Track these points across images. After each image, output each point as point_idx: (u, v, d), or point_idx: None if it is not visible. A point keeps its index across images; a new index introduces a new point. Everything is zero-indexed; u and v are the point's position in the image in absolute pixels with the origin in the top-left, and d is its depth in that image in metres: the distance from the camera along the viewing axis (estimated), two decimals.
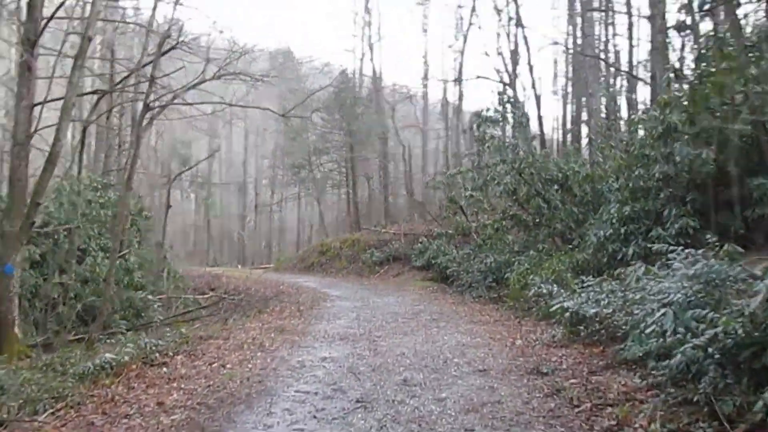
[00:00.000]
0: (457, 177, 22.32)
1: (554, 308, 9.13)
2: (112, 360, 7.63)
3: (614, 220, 12.65)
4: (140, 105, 24.50)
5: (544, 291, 11.67)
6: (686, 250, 7.69)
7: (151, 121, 22.43)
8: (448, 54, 44.94)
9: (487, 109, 17.27)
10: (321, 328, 10.85)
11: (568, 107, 28.24)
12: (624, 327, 7.05)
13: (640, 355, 6.04)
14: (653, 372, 5.64)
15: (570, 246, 14.94)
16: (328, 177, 37.50)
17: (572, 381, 6.39)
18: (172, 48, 16.34)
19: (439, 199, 32.64)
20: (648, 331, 5.84)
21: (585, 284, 10.30)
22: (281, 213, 54.89)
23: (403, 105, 43.15)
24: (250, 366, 7.65)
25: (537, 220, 18.00)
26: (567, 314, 8.78)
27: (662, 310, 5.70)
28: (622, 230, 12.31)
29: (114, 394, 6.53)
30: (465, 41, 32.34)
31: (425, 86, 38.97)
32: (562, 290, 11.66)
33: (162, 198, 48.89)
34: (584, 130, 25.08)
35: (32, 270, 16.37)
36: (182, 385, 6.77)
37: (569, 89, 27.51)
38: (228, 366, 7.71)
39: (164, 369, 7.72)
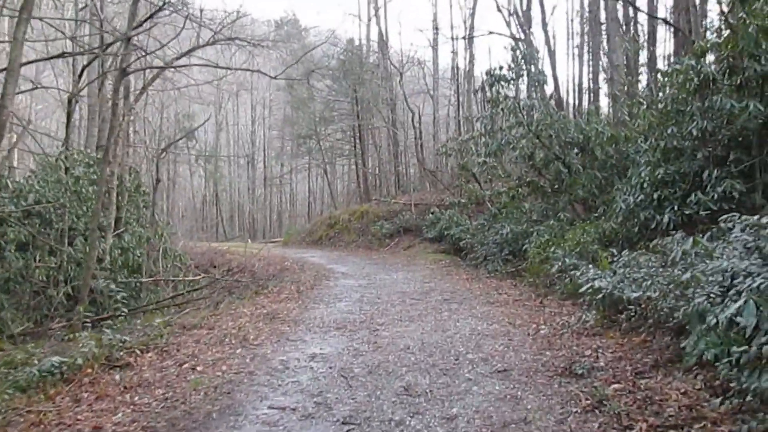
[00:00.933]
0: (470, 143, 20.84)
1: (584, 288, 7.76)
2: (61, 363, 6.40)
3: (645, 185, 11.20)
4: (138, 76, 23.27)
5: (569, 265, 10.34)
6: (742, 217, 6.33)
7: (143, 90, 21.14)
8: (458, 17, 42.75)
9: (500, 67, 15.70)
10: (318, 313, 9.57)
11: (584, 68, 26.49)
12: (676, 315, 5.67)
13: (710, 357, 4.65)
14: (733, 386, 4.24)
15: (594, 214, 13.50)
16: (336, 147, 36.01)
17: (616, 386, 5.05)
18: (159, 9, 14.97)
19: (451, 167, 31.19)
20: (719, 326, 4.47)
21: (617, 259, 8.97)
22: (292, 185, 53.67)
23: (411, 73, 41.49)
24: (224, 368, 6.37)
25: (556, 187, 16.60)
26: (600, 296, 7.41)
27: (738, 301, 4.32)
28: (655, 195, 10.85)
29: (51, 411, 5.29)
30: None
31: (434, 48, 37.18)
32: (590, 265, 10.34)
33: (168, 173, 47.82)
34: (602, 89, 23.42)
35: (18, 252, 15.28)
36: (136, 398, 5.51)
37: (585, 48, 25.71)
38: (199, 368, 6.44)
39: (125, 372, 6.47)
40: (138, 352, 7.32)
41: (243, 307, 10.95)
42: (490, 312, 9.12)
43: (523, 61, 15.92)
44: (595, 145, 15.31)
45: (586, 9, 25.21)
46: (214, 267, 22.41)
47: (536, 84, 16.27)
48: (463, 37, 27.74)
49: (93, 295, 16.13)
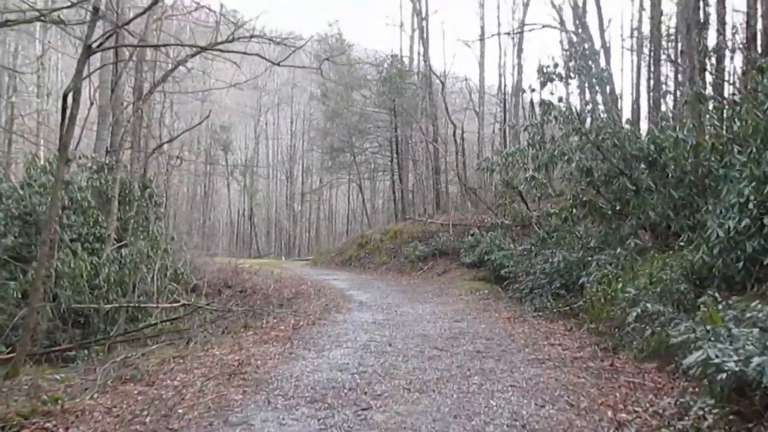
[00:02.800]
0: (516, 156, 17.97)
1: (691, 360, 4.89)
2: None
3: (750, 205, 8.29)
4: (151, 73, 21.24)
5: (651, 313, 7.47)
6: None
7: (153, 89, 18.98)
8: (506, 24, 39.78)
9: (555, 64, 12.93)
10: (298, 368, 6.86)
11: (641, 74, 23.26)
12: None
13: None
14: None
15: (679, 242, 10.50)
16: (371, 161, 33.40)
17: None
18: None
19: (494, 185, 28.27)
20: None
21: (722, 308, 6.14)
22: (330, 201, 51.44)
23: (455, 90, 38.75)
24: None
25: (618, 208, 13.71)
26: (721, 376, 4.55)
27: None
28: (766, 221, 7.94)
29: None
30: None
31: (481, 64, 34.44)
32: (680, 313, 7.45)
33: (202, 186, 46.14)
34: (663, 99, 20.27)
35: None
36: None
37: (645, 42, 22.40)
38: None
39: None
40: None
41: (216, 348, 8.37)
42: (540, 379, 6.27)
43: (581, 58, 13.11)
44: (668, 158, 12.40)
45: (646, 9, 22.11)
46: (228, 287, 20.00)
47: (597, 84, 13.39)
48: (508, 33, 24.48)
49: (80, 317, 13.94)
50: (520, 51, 28.50)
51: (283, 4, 72.01)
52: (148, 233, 18.08)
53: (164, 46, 17.94)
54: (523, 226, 20.12)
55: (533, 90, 16.80)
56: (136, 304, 12.08)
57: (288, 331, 9.59)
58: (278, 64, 10.16)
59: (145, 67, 21.97)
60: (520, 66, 29.53)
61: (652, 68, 21.32)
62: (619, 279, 10.26)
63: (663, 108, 18.11)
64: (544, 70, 13.03)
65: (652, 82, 21.11)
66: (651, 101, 20.23)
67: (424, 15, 31.64)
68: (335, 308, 12.34)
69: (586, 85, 14.16)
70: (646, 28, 21.80)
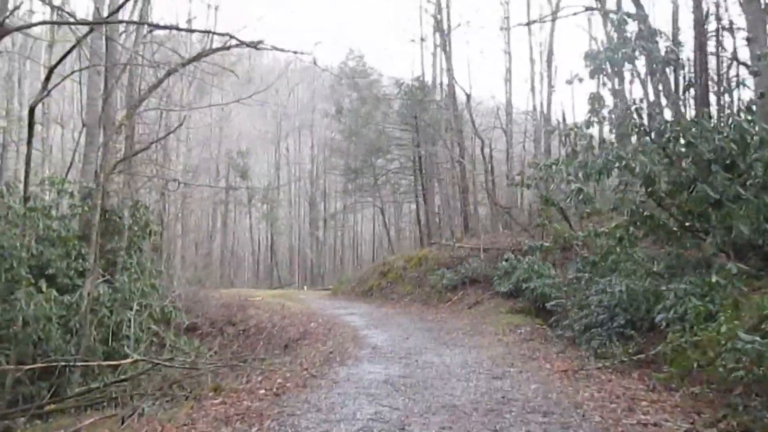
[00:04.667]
0: (559, 167, 15.18)
1: None
2: None
3: None
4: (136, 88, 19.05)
5: None
6: None
7: (141, 100, 16.83)
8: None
9: (607, 48, 10.23)
10: None
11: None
12: None
13: None
14: None
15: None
16: (393, 182, 30.68)
17: None
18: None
19: (529, 204, 25.42)
20: None
21: None
22: (355, 227, 48.91)
23: (482, 117, 36.06)
24: None
25: (689, 224, 11.02)
26: None
27: None
28: None
29: None
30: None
31: (508, 80, 31.78)
32: None
33: (220, 216, 43.98)
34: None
35: None
36: None
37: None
38: None
39: None
40: None
41: (160, 428, 5.79)
42: None
43: (640, 38, 10.41)
44: (752, 158, 9.75)
45: None
46: (232, 325, 17.49)
47: (666, 64, 10.64)
48: (537, 22, 21.43)
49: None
50: (550, 55, 25.76)
51: (303, 27, 70.45)
52: (137, 266, 15.78)
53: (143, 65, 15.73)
54: (563, 249, 17.33)
55: (580, 79, 14.00)
56: (72, 363, 9.44)
57: (267, 398, 6.93)
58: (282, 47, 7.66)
59: (143, 85, 19.90)
60: (550, 75, 26.80)
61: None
62: (717, 317, 7.52)
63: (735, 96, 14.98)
64: (594, 56, 10.35)
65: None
66: (720, 87, 17.11)
67: (446, 30, 29.21)
68: (341, 357, 9.64)
69: (648, 73, 11.39)
70: None
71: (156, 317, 13.79)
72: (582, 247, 17.32)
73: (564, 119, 26.26)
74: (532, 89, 27.51)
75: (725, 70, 16.70)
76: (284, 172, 48.22)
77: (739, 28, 15.74)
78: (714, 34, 16.31)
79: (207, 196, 38.89)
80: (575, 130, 12.72)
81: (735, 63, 14.77)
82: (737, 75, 13.88)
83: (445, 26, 28.67)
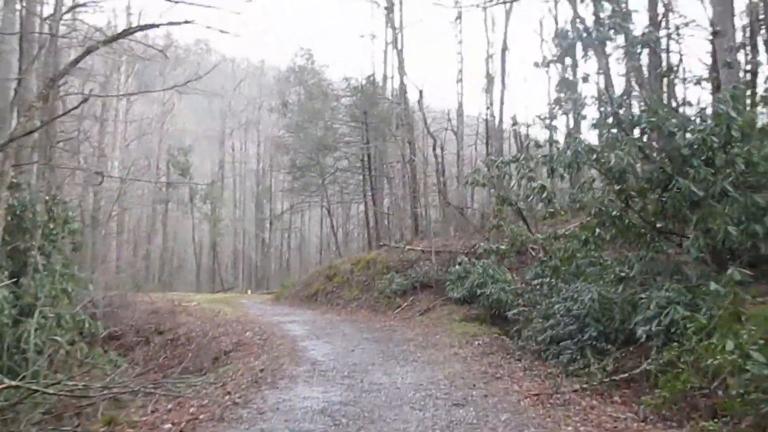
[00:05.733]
0: (514, 165, 14.00)
1: None
2: None
3: None
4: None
5: None
6: None
7: (61, 74, 14.96)
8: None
9: (581, 22, 9.04)
10: None
11: None
12: None
13: None
14: None
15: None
16: (340, 181, 29.01)
17: None
18: None
19: (481, 205, 24.32)
20: None
21: None
22: (302, 229, 47.02)
23: (433, 121, 34.85)
24: None
25: (661, 225, 10.03)
26: None
27: None
28: None
29: None
30: None
31: (459, 81, 30.65)
32: None
33: (158, 215, 41.57)
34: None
35: None
36: None
37: None
38: None
39: None
40: None
41: None
42: None
43: (616, 16, 9.26)
44: (733, 153, 8.80)
45: None
46: (160, 333, 15.68)
47: (639, 51, 9.54)
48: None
49: None
50: (504, 50, 24.63)
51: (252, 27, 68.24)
52: (50, 268, 13.87)
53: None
54: (519, 252, 16.26)
55: (549, 62, 12.74)
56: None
57: None
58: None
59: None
60: (503, 69, 25.60)
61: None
62: (711, 330, 6.39)
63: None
64: (563, 35, 9.16)
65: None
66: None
67: (398, 26, 27.88)
68: (272, 376, 8.10)
69: (625, 54, 10.23)
70: None
71: (66, 327, 11.91)
72: (538, 250, 16.25)
73: (515, 121, 25.30)
74: (488, 84, 26.26)
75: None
76: (229, 172, 46.06)
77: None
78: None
79: (146, 193, 36.57)
80: (541, 118, 11.57)
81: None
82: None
83: (397, 22, 27.40)
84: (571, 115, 11.54)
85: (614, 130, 10.11)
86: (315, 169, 27.26)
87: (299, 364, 9.02)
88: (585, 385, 7.13)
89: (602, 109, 9.92)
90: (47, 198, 15.47)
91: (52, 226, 14.67)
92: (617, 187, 10.23)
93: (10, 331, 11.16)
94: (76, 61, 14.68)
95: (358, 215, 35.56)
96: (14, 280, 12.23)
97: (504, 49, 25.31)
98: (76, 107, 15.82)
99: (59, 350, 10.82)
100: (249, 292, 35.61)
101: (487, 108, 24.48)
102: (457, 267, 16.29)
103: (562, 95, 10.83)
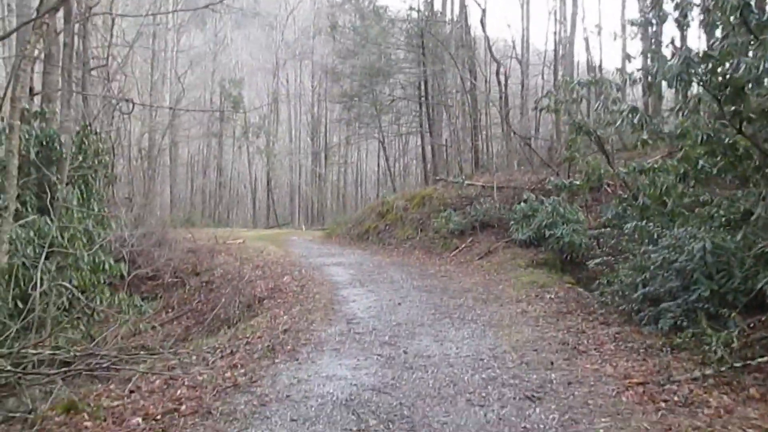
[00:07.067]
0: (596, 86, 11.62)
1: None
2: None
3: None
4: None
5: None
6: None
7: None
8: None
9: None
10: None
11: None
12: None
13: None
14: None
15: None
16: (395, 111, 26.71)
17: None
18: None
19: (550, 135, 21.87)
20: None
21: None
22: (360, 164, 45.26)
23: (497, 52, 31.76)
24: None
25: None
26: None
27: None
28: None
29: None
30: None
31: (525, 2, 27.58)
32: None
33: (211, 149, 40.50)
34: None
35: None
36: None
37: None
38: None
39: None
40: None
41: None
42: None
43: None
44: None
45: None
46: (196, 275, 14.41)
47: None
48: None
49: None
50: None
51: None
52: (86, 202, 12.67)
53: None
54: (591, 189, 14.03)
55: None
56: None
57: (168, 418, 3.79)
58: None
59: None
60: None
61: None
62: None
63: None
64: None
65: None
66: None
67: None
68: (295, 341, 6.46)
69: None
70: None
71: (85, 268, 10.63)
72: (616, 187, 14.11)
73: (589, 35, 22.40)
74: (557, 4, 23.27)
75: None
76: (283, 105, 44.36)
77: None
78: None
79: (197, 125, 35.42)
80: (635, 22, 9.17)
81: None
82: None
83: None
84: (673, 19, 9.07)
85: (736, 34, 7.71)
86: (368, 98, 25.14)
87: (332, 323, 7.36)
88: (708, 371, 5.16)
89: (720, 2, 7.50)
90: (77, 129, 14.21)
91: (81, 158, 13.44)
92: (732, 108, 7.94)
93: (28, 275, 9.94)
94: None
95: (416, 148, 33.42)
96: (41, 217, 11.03)
97: None
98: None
99: (69, 295, 9.52)
100: (303, 228, 34.47)
101: (559, 24, 21.47)
102: (522, 205, 14.27)
103: None
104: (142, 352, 6.29)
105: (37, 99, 14.35)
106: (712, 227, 7.97)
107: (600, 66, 22.77)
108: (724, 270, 6.91)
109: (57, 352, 6.17)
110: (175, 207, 31.35)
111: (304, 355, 5.92)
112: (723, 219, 8.09)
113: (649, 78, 8.60)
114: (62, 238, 10.76)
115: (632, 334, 6.67)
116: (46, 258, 10.11)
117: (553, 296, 8.94)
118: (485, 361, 5.63)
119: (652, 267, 7.74)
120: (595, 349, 6.07)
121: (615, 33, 18.22)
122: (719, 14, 7.60)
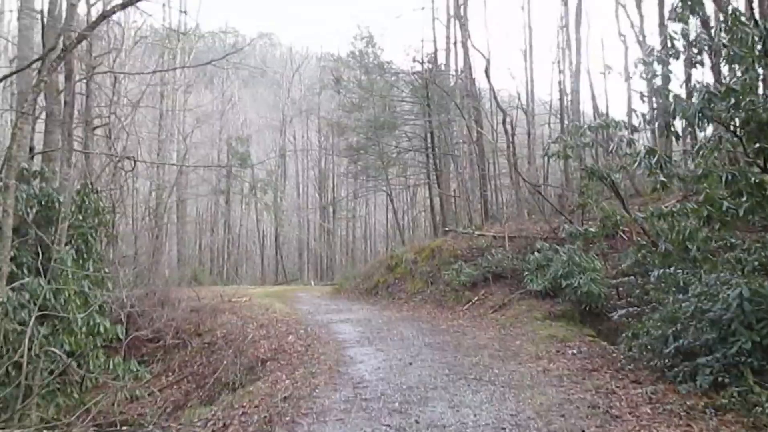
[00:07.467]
0: (608, 128, 11.19)
1: None
2: None
3: None
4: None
5: None
6: None
7: (63, 55, 13.21)
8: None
9: None
10: None
11: None
12: None
13: None
14: None
15: None
16: (401, 162, 26.39)
17: None
18: None
19: (560, 183, 21.43)
20: None
21: None
22: (368, 218, 44.93)
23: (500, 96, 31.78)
24: None
25: None
26: None
27: None
28: None
29: None
30: None
31: (528, 53, 27.62)
32: None
33: (219, 207, 40.35)
34: None
35: None
36: None
37: None
38: None
39: None
40: None
41: None
42: None
43: None
44: None
45: None
46: (198, 335, 13.79)
47: None
48: None
49: None
50: (579, 19, 21.69)
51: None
52: (82, 261, 12.28)
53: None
54: (606, 236, 13.47)
55: None
56: None
57: None
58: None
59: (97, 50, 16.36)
60: (578, 39, 22.72)
61: None
62: None
63: None
64: None
65: None
66: None
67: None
68: (296, 410, 5.82)
69: None
70: None
71: (79, 332, 10.08)
72: (631, 233, 13.54)
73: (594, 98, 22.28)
74: (562, 55, 23.27)
75: None
76: (290, 161, 44.43)
77: None
78: None
79: (205, 183, 35.33)
80: (647, 61, 8.79)
81: None
82: None
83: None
84: (683, 58, 8.72)
85: (759, 66, 7.29)
86: (374, 151, 24.91)
87: (337, 388, 6.73)
88: None
89: (738, 34, 7.12)
90: (78, 188, 13.92)
91: (81, 217, 13.11)
92: (756, 146, 7.48)
93: (19, 340, 9.39)
94: (92, 26, 12.87)
95: (424, 200, 33.02)
96: (35, 278, 10.55)
97: (579, 15, 22.33)
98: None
99: (52, 363, 8.92)
100: (312, 283, 33.87)
101: (561, 75, 21.36)
102: (535, 254, 13.69)
103: (674, 31, 8.00)
104: (124, 428, 5.67)
105: (38, 158, 14.16)
106: (744, 272, 7.39)
107: (606, 113, 22.56)
108: (764, 319, 6.29)
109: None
110: (182, 265, 30.86)
111: (304, 427, 5.29)
112: (756, 263, 7.52)
113: (664, 117, 8.18)
114: (55, 300, 10.29)
115: (668, 393, 6.00)
116: (40, 322, 9.61)
117: (575, 351, 8.27)
118: (507, 430, 4.98)
119: (683, 317, 7.12)
120: (630, 413, 5.40)
121: (624, 72, 18.07)
122: (738, 47, 7.22)
